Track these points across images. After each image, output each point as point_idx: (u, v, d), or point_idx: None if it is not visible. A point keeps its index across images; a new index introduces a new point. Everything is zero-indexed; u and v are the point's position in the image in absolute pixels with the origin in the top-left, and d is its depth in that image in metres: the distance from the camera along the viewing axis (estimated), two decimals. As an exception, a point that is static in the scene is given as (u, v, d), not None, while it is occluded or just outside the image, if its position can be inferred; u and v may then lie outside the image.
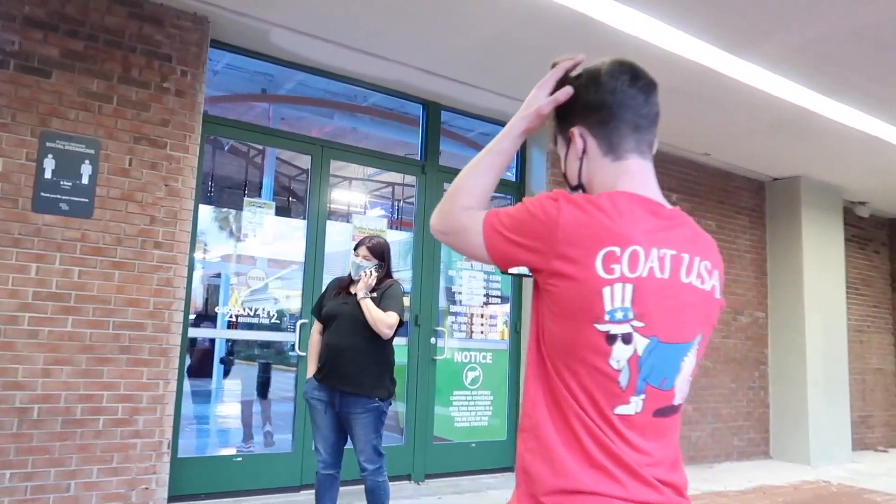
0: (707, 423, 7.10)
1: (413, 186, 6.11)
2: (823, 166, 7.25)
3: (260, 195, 6.16)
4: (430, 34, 4.53)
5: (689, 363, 1.17)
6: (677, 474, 1.17)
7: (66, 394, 3.87)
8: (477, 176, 1.27)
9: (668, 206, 1.21)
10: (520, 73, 5.08)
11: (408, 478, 5.40)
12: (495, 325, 6.22)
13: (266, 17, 4.42)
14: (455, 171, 5.81)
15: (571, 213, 1.11)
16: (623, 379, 1.11)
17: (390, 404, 3.58)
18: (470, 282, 6.06)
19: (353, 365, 3.45)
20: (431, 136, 5.75)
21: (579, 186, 1.25)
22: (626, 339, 1.10)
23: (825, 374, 7.64)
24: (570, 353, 1.12)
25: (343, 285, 3.71)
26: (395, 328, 3.49)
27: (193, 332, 4.77)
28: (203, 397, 5.74)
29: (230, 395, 5.68)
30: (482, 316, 6.10)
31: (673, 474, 1.16)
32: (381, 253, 3.66)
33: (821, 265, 7.76)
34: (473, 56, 4.85)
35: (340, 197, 7.64)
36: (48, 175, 3.86)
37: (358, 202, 7.18)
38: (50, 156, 3.86)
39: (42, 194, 3.84)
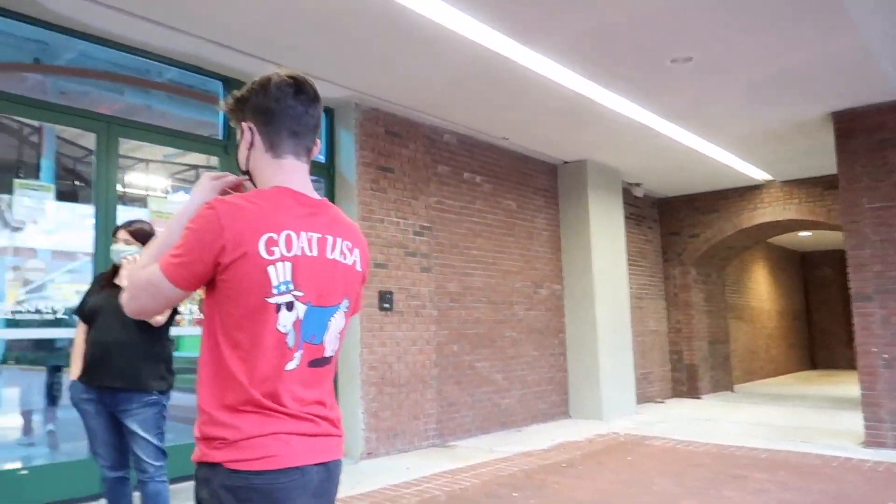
0: (515, 390, 7.61)
1: (217, 168, 5.82)
2: (604, 150, 8.05)
3: (38, 178, 5.51)
4: (223, 3, 4.33)
5: (336, 322, 1.46)
6: (332, 411, 1.47)
7: None
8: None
9: (316, 197, 1.50)
10: (318, 50, 5.03)
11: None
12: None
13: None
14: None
15: (228, 212, 1.34)
16: (290, 340, 1.38)
17: (168, 398, 3.38)
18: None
19: (123, 359, 3.21)
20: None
21: (247, 172, 1.52)
22: (289, 306, 1.37)
23: (613, 338, 8.53)
24: (245, 324, 1.36)
25: (107, 278, 3.46)
26: (168, 316, 3.29)
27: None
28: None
29: (9, 403, 5.05)
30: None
31: (329, 411, 1.46)
32: (144, 236, 3.40)
33: (606, 241, 8.64)
34: (266, 29, 4.69)
35: (136, 180, 7.07)
36: None
37: (157, 186, 6.68)
38: None
39: None
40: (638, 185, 9.76)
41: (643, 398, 9.64)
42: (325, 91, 5.72)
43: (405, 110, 6.41)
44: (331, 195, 6.22)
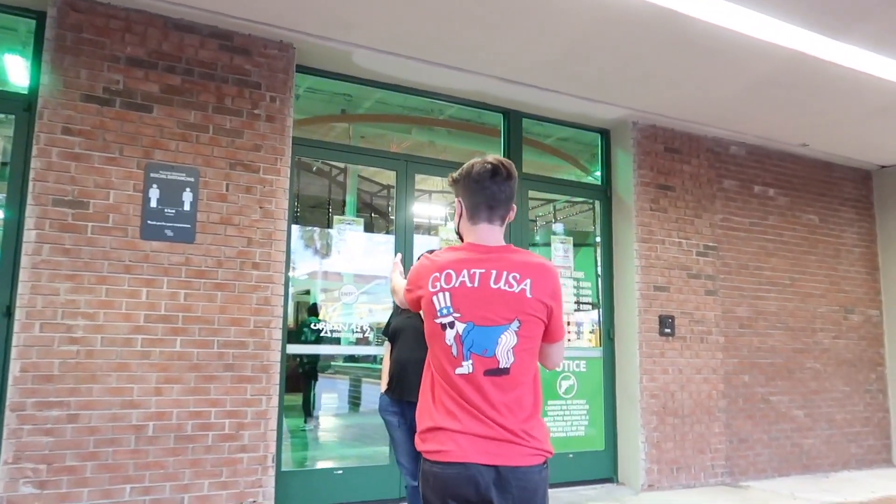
0: (820, 429, 6.68)
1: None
2: (937, 150, 6.72)
3: (343, 213, 6.31)
4: (511, 42, 4.52)
5: (506, 339, 1.80)
6: (514, 419, 1.77)
7: (178, 411, 4.06)
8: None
9: (495, 245, 1.91)
10: (602, 74, 4.99)
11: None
12: (583, 333, 6.10)
13: (348, 39, 4.53)
14: (535, 178, 5.75)
15: (421, 264, 1.96)
16: (454, 350, 1.81)
17: None
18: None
19: (419, 375, 3.44)
20: (514, 143, 5.72)
21: (458, 233, 2.01)
22: (451, 325, 1.81)
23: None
24: (431, 340, 1.87)
25: None
26: None
27: (291, 349, 4.90)
28: (297, 412, 5.89)
29: (325, 409, 5.80)
30: (569, 323, 5.99)
31: (507, 418, 1.77)
32: None
33: (940, 257, 7.18)
34: (555, 61, 4.79)
35: (422, 210, 7.77)
36: (153, 204, 4.08)
37: (439, 214, 7.26)
38: (154, 185, 4.09)
39: (149, 222, 4.07)
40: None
41: None
42: (602, 113, 5.74)
43: (685, 124, 6.05)
44: (607, 218, 6.11)
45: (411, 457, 3.63)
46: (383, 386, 3.74)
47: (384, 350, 3.87)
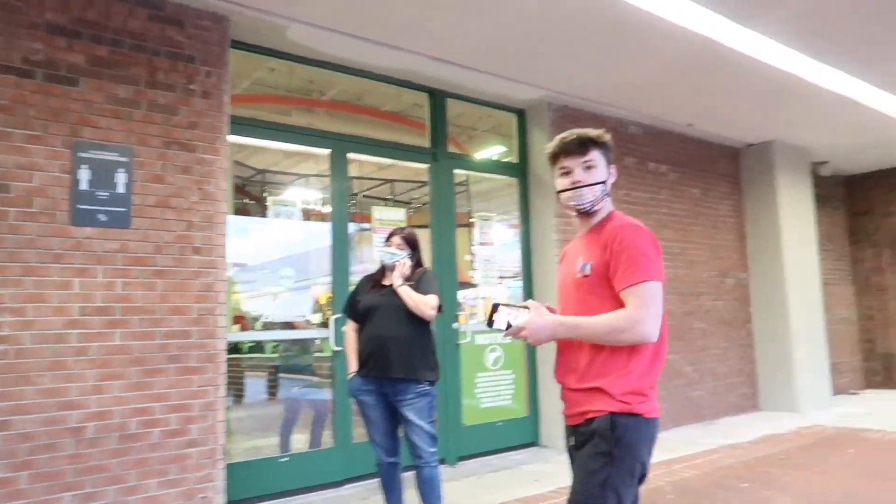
0: (706, 382, 7.44)
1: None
2: (795, 129, 7.63)
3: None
4: (447, 20, 4.56)
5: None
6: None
7: (120, 409, 3.79)
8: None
9: None
10: (525, 55, 5.17)
11: (441, 461, 5.48)
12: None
13: (287, 13, 4.36)
14: (457, 156, 5.84)
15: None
16: None
17: (437, 389, 3.66)
18: (484, 265, 6.16)
19: (399, 352, 3.51)
20: (439, 123, 5.79)
21: (606, 195, 2.12)
22: None
23: (805, 327, 8.09)
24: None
25: (376, 279, 3.78)
26: (437, 309, 3.57)
27: (233, 337, 4.69)
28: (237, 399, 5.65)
29: (266, 396, 5.61)
30: (491, 298, 6.21)
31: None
32: (413, 243, 3.75)
33: (795, 225, 8.19)
34: (484, 41, 4.90)
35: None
36: (84, 186, 3.74)
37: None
38: (84, 166, 3.74)
39: (79, 206, 3.72)
40: (825, 163, 9.15)
41: (835, 389, 9.06)
42: (519, 93, 5.95)
43: (593, 105, 6.43)
44: (526, 194, 6.37)
45: (387, 434, 3.64)
46: (353, 366, 3.70)
47: (348, 329, 3.81)
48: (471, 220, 6.36)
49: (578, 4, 4.34)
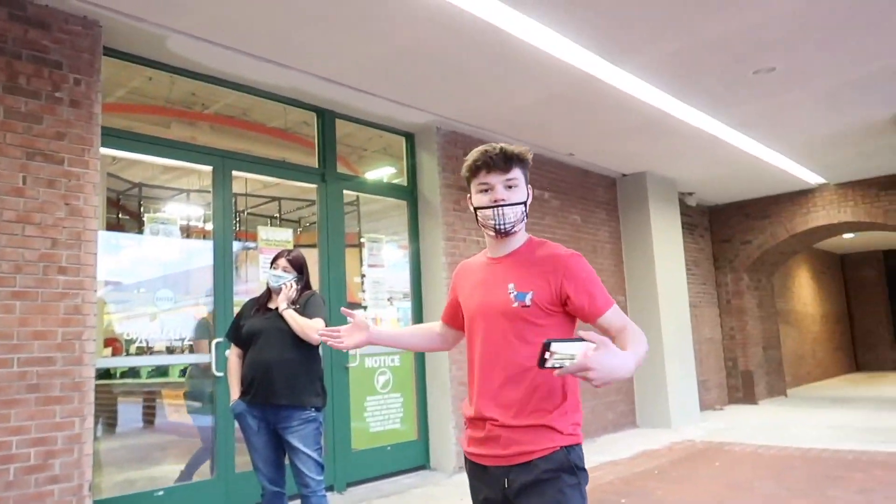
0: (587, 401, 7.71)
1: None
2: (665, 162, 8.21)
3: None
4: (338, 41, 4.55)
5: None
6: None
7: (-33, 445, 3.41)
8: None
9: None
10: (416, 80, 5.25)
11: (330, 489, 5.33)
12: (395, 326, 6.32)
13: (165, 23, 4.19)
14: (348, 178, 5.81)
15: None
16: None
17: (324, 416, 3.56)
18: (373, 287, 6.11)
19: (284, 377, 3.41)
20: (328, 143, 5.74)
21: (526, 215, 1.94)
22: None
23: (677, 347, 8.62)
24: None
25: (261, 303, 3.67)
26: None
27: (102, 363, 4.36)
28: (110, 430, 5.23)
29: (141, 425, 5.23)
30: (375, 318, 6.17)
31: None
32: (299, 266, 3.65)
33: (666, 250, 8.76)
34: (376, 64, 4.93)
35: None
36: (-71, 198, 3.37)
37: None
38: (-70, 176, 3.38)
39: (-78, 220, 3.35)
40: (691, 194, 9.88)
41: (703, 406, 9.69)
42: (409, 117, 6.02)
43: (481, 132, 6.60)
44: (415, 216, 6.41)
45: (272, 463, 3.49)
46: (235, 394, 3.54)
47: (231, 354, 3.65)
48: (361, 240, 6.31)
49: (466, 34, 4.46)
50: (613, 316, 1.87)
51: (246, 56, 4.66)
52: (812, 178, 9.35)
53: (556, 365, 1.57)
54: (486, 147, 1.92)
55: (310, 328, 3.40)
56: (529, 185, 1.95)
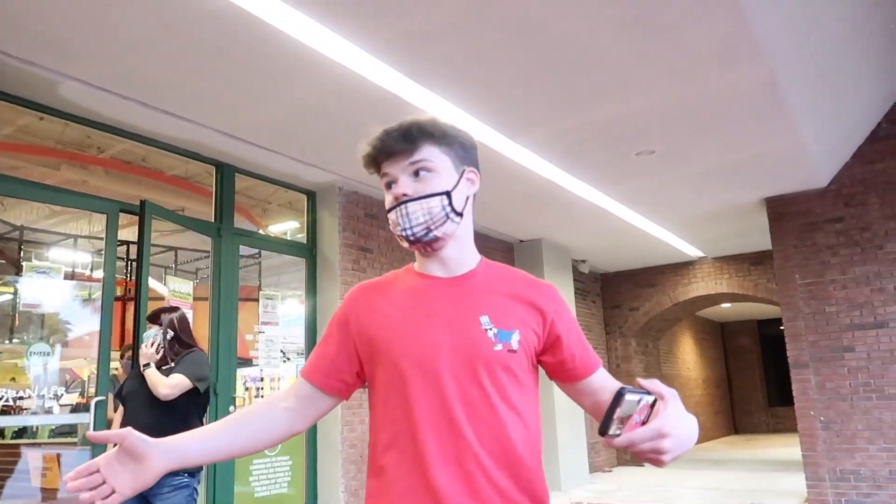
0: (481, 463, 7.74)
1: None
2: (558, 230, 8.62)
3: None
4: (239, 99, 4.58)
5: None
6: None
7: None
8: None
9: None
10: (316, 140, 5.32)
11: (208, 560, 5.04)
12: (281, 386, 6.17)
13: (58, 69, 4.08)
14: (246, 233, 5.75)
15: None
16: None
17: (199, 481, 3.43)
18: (267, 345, 5.98)
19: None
20: (226, 197, 5.67)
21: (460, 215, 1.37)
22: None
23: (568, 410, 8.86)
24: None
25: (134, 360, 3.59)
26: (180, 389, 3.33)
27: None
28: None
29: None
30: (277, 379, 6.03)
31: None
32: (156, 318, 3.56)
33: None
34: (277, 123, 4.97)
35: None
36: None
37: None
38: None
39: None
40: (584, 261, 10.37)
41: (592, 468, 9.93)
42: (311, 176, 6.06)
43: (381, 193, 6.67)
44: (313, 275, 6.38)
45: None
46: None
47: (115, 417, 3.51)
48: (261, 293, 6.20)
49: (366, 100, 4.59)
50: (602, 378, 1.37)
51: (143, 106, 4.58)
52: (692, 252, 10.06)
53: (615, 432, 1.07)
54: (387, 126, 1.36)
55: (161, 385, 3.30)
56: (469, 169, 1.39)
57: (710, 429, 16.12)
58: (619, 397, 1.06)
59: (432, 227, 1.31)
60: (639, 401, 1.09)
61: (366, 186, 6.50)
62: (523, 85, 4.52)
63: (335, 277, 6.21)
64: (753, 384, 17.98)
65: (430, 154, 1.34)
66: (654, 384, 1.10)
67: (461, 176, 1.37)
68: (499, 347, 1.24)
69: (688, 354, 15.66)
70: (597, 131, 5.34)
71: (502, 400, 1.23)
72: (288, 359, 6.17)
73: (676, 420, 1.08)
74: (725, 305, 13.89)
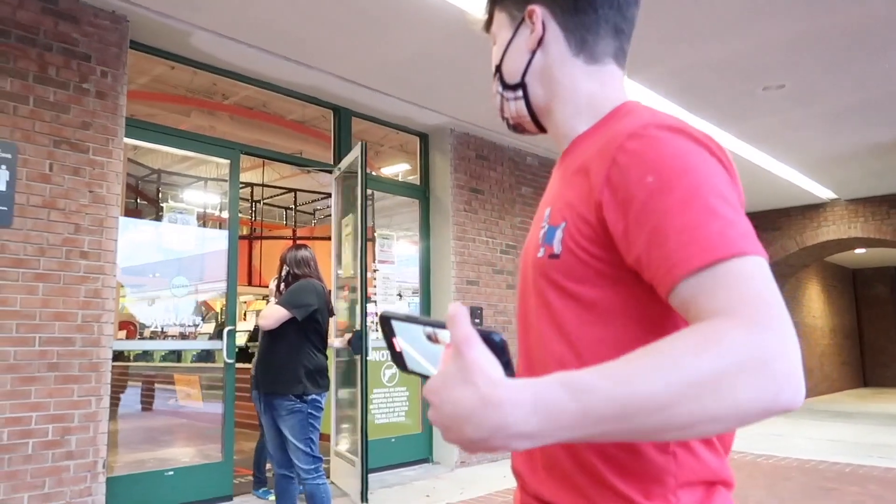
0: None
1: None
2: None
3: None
4: (356, 44, 4.68)
5: None
6: None
7: (-12, 418, 3.57)
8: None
9: None
10: (430, 82, 5.37)
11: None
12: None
13: (190, 20, 4.33)
14: (369, 175, 5.91)
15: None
16: None
17: (319, 404, 3.61)
18: (384, 283, 6.24)
19: (265, 369, 3.63)
20: (343, 140, 5.88)
21: (520, 86, 0.95)
22: None
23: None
24: None
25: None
26: (275, 318, 3.54)
27: (118, 345, 4.52)
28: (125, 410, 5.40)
29: (151, 408, 5.40)
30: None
31: None
32: (286, 259, 3.81)
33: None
34: (392, 66, 5.05)
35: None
36: (-39, 181, 3.54)
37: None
38: (-37, 160, 3.55)
39: (-46, 202, 3.52)
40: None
41: None
42: (423, 118, 6.14)
43: (492, 134, 6.71)
44: (426, 216, 6.53)
45: (278, 447, 3.64)
46: None
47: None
48: (376, 233, 6.45)
49: (477, 41, 4.57)
50: (703, 292, 0.67)
51: (266, 54, 4.80)
52: (823, 193, 9.38)
53: (416, 369, 0.79)
54: None
55: (260, 316, 3.70)
56: (529, 9, 0.93)
57: (836, 380, 15.29)
58: (384, 324, 0.77)
59: (504, 114, 1.00)
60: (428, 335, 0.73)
61: (477, 128, 6.51)
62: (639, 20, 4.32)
63: (448, 218, 6.33)
64: (888, 335, 16.77)
65: (496, 20, 1.00)
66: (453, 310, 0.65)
67: (518, 27, 0.94)
68: (541, 253, 0.86)
69: (814, 302, 14.78)
70: (721, 66, 5.04)
71: (552, 326, 0.84)
72: (401, 296, 6.42)
73: (441, 385, 0.65)
74: (859, 251, 12.92)
